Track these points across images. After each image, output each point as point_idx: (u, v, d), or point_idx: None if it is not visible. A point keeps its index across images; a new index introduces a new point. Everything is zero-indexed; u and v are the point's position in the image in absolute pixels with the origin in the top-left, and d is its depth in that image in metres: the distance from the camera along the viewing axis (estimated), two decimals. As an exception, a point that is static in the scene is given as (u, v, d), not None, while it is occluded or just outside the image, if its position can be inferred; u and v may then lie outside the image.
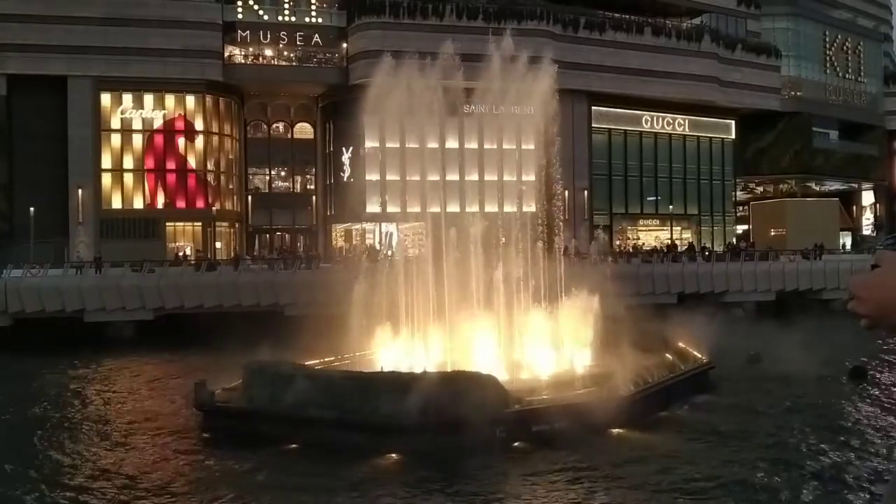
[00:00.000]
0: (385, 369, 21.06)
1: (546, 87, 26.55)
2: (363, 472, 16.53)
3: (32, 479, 16.25)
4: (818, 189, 73.83)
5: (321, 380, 19.78)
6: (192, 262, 46.11)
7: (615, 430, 19.17)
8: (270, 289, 41.33)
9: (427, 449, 17.29)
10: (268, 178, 59.68)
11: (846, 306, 1.90)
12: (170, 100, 52.97)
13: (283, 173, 60.14)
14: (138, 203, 52.54)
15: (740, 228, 69.97)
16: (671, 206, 63.71)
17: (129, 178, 52.71)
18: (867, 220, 78.48)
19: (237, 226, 57.45)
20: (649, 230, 63.64)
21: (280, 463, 17.36)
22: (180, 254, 50.23)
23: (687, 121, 63.75)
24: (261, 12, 53.78)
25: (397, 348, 22.67)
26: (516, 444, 17.92)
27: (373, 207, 53.70)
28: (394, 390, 18.15)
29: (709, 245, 60.60)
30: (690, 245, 58.52)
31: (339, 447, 17.41)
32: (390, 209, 54.45)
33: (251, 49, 54.09)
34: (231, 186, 57.00)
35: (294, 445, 18.37)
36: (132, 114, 52.46)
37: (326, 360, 23.56)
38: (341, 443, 17.58)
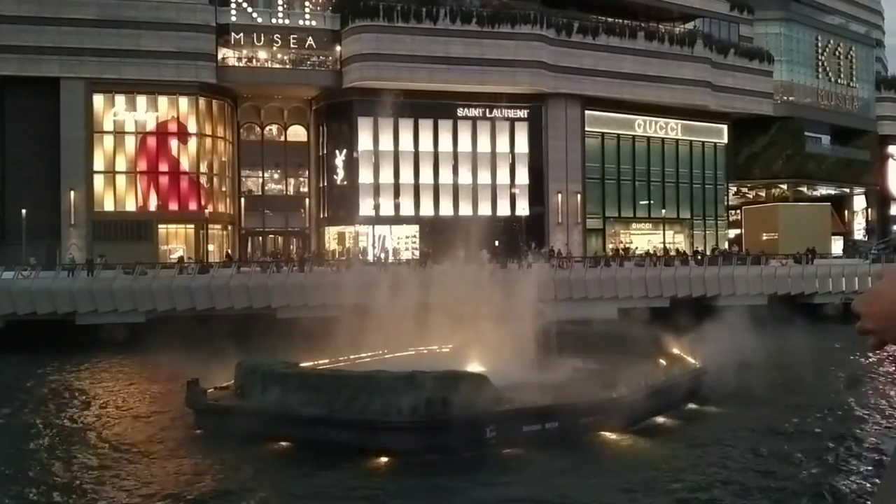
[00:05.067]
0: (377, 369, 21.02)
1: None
2: (353, 472, 16.51)
3: (24, 482, 16.17)
4: (810, 193, 74.01)
5: (313, 379, 19.78)
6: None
7: (605, 432, 19.19)
8: (263, 292, 41.30)
9: (417, 448, 17.30)
10: (261, 180, 59.56)
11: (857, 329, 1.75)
12: (163, 102, 52.83)
13: (276, 176, 60.01)
14: (131, 205, 52.33)
15: (732, 233, 70.09)
16: (664, 210, 63.83)
17: (121, 181, 52.50)
18: (859, 224, 78.76)
19: (230, 228, 57.35)
20: (642, 234, 63.75)
21: (271, 461, 17.36)
22: (172, 257, 50.10)
23: (680, 125, 63.87)
24: (254, 15, 53.71)
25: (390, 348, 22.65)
26: (506, 444, 17.86)
27: (366, 210, 53.76)
28: (384, 389, 18.15)
29: (701, 249, 60.68)
30: (695, 252, 58.59)
31: (329, 446, 17.44)
32: (383, 212, 54.63)
33: (245, 51, 54.00)
34: (224, 189, 56.85)
35: (285, 443, 18.37)
36: (125, 116, 52.32)
37: (321, 362, 23.55)
38: (332, 441, 17.61)
